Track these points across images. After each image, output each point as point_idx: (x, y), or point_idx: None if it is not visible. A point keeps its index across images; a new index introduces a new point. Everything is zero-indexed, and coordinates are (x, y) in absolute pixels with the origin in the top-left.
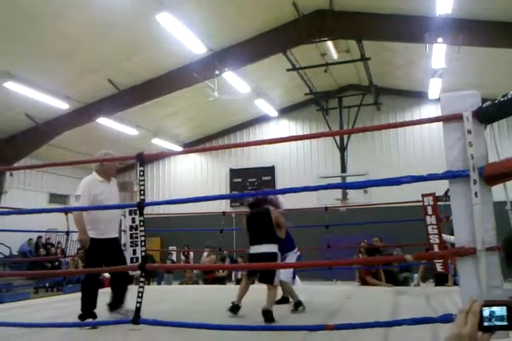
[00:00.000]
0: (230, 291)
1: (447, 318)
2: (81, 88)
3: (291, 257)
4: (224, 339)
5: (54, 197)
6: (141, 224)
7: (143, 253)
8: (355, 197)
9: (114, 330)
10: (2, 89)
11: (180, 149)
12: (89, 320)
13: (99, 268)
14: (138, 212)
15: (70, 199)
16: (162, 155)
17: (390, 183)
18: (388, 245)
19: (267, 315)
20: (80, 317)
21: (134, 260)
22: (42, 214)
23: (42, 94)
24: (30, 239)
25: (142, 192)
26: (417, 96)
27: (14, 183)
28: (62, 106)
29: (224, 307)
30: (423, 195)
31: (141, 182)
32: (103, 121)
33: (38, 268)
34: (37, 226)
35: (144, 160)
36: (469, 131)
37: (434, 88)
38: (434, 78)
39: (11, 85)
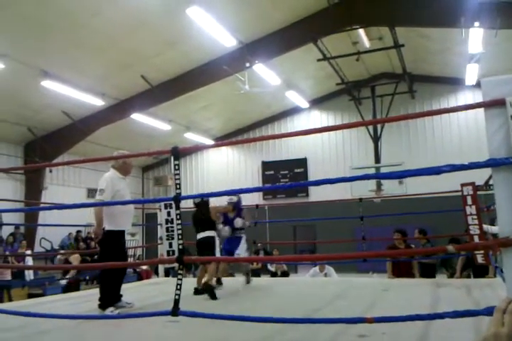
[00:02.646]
0: (264, 283)
1: (491, 311)
2: (115, 85)
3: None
4: (262, 331)
5: (92, 192)
6: (178, 217)
7: (180, 246)
8: (390, 188)
9: (153, 322)
10: (39, 88)
11: (212, 143)
12: (111, 308)
13: (138, 262)
14: (174, 206)
15: None
16: (196, 149)
17: (430, 173)
18: (434, 236)
19: (208, 288)
20: (101, 306)
21: (171, 253)
22: (81, 209)
23: (77, 92)
24: (70, 233)
25: (178, 186)
26: (453, 82)
27: (54, 179)
28: (97, 102)
29: (258, 299)
30: (462, 185)
31: (177, 177)
32: (136, 116)
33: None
34: (76, 221)
35: (179, 154)
36: None
37: (471, 74)
38: (470, 64)
39: (47, 84)
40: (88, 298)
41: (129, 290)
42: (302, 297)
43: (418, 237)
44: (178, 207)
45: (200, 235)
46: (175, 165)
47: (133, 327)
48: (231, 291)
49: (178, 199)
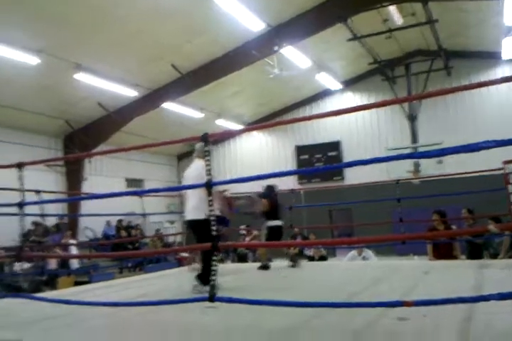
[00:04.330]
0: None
1: None
2: (147, 75)
3: None
4: (299, 315)
5: (130, 182)
6: (210, 204)
7: (214, 233)
8: (428, 168)
9: (191, 308)
10: (74, 81)
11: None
12: (205, 287)
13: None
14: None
15: (145, 183)
16: (225, 135)
17: (468, 150)
18: (478, 216)
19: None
20: (202, 282)
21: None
22: (121, 199)
23: (111, 83)
24: (108, 221)
25: (209, 171)
26: (490, 57)
27: (93, 170)
28: (131, 93)
29: (295, 283)
30: (505, 162)
31: (207, 162)
32: (168, 105)
33: (120, 249)
34: (116, 210)
35: (208, 140)
36: None
37: (508, 47)
38: (508, 36)
39: (81, 76)
40: (129, 284)
41: (170, 276)
42: (340, 281)
43: (466, 217)
44: (210, 193)
45: (277, 222)
46: (205, 151)
47: (171, 313)
48: (271, 275)
49: (210, 185)
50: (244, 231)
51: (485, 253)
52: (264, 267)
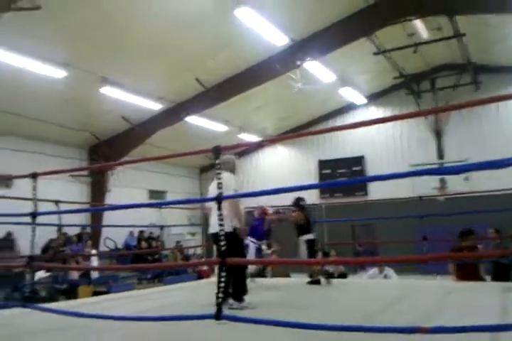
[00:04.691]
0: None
1: None
2: (171, 88)
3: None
4: (312, 335)
5: (153, 194)
6: (220, 218)
7: (223, 248)
8: (455, 185)
9: (202, 322)
10: (100, 95)
11: (267, 143)
12: (246, 301)
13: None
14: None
15: (168, 195)
16: (238, 147)
17: (493, 166)
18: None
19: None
20: (238, 299)
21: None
22: (143, 210)
23: (135, 97)
24: (131, 232)
25: (220, 185)
26: None
27: (116, 182)
28: (155, 106)
29: (311, 302)
30: None
31: (219, 176)
32: (192, 119)
33: (140, 260)
34: (138, 222)
35: (220, 152)
36: None
37: None
38: None
39: (107, 90)
40: (147, 296)
41: (189, 289)
42: (358, 300)
43: (493, 237)
44: (220, 207)
45: (311, 236)
46: (217, 164)
47: (185, 327)
48: (286, 292)
49: (220, 199)
50: (264, 246)
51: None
52: (315, 282)
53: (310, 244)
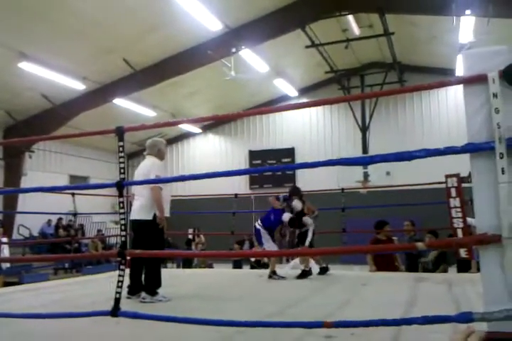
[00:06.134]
0: (234, 274)
1: (465, 318)
2: (96, 68)
3: None
4: (222, 330)
5: (74, 179)
6: (121, 205)
7: (123, 238)
8: (377, 179)
9: (104, 319)
10: (17, 70)
11: (199, 131)
12: (160, 294)
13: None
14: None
15: (90, 180)
16: (143, 128)
17: (402, 158)
18: (418, 229)
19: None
20: (150, 293)
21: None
22: (62, 197)
23: (58, 75)
24: (49, 220)
25: (122, 170)
26: (444, 73)
27: (34, 165)
28: (79, 86)
29: (227, 293)
30: (446, 176)
31: (121, 159)
32: (120, 102)
33: (57, 249)
34: (56, 209)
35: (123, 134)
36: (495, 95)
37: (461, 64)
38: (461, 53)
39: (25, 66)
40: (56, 288)
41: (105, 280)
42: (276, 292)
43: (407, 229)
44: (121, 194)
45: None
46: (119, 146)
47: (81, 323)
48: (210, 283)
49: (121, 185)
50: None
51: (420, 266)
52: (305, 274)
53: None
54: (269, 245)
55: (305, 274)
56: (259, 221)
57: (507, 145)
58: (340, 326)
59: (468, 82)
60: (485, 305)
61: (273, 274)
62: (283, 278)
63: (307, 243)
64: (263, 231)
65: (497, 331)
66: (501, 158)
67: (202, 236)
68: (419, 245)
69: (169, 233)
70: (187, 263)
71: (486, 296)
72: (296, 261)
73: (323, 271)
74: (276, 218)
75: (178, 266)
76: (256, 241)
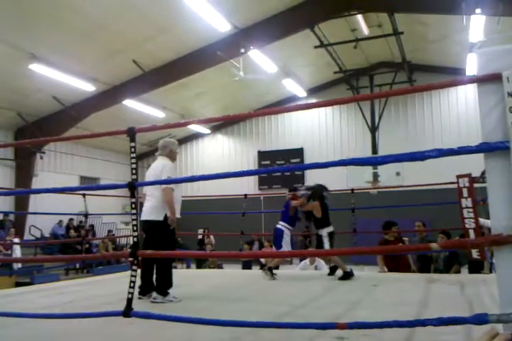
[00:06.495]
0: (248, 275)
1: (481, 319)
2: (106, 70)
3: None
4: (232, 331)
5: (85, 180)
6: (133, 206)
7: (135, 239)
8: (387, 179)
9: (116, 319)
10: (28, 72)
11: (208, 132)
12: (171, 295)
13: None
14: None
15: (101, 181)
16: (155, 129)
17: (414, 158)
18: (430, 230)
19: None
20: (162, 293)
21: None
22: (73, 198)
23: (68, 76)
24: (60, 221)
25: (134, 171)
26: (454, 72)
27: (45, 166)
28: (89, 88)
29: (238, 294)
30: (458, 176)
31: (133, 160)
32: (129, 103)
33: (68, 250)
34: (67, 210)
35: (135, 135)
36: (510, 94)
37: (472, 64)
38: (471, 53)
39: (36, 67)
40: (67, 288)
41: (116, 280)
42: (286, 292)
43: (419, 230)
44: (133, 195)
45: (331, 228)
46: (131, 147)
47: (93, 323)
48: (220, 284)
49: (133, 186)
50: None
51: (432, 266)
52: (347, 276)
53: (331, 236)
54: (287, 249)
55: (347, 275)
56: (281, 222)
57: None
58: (354, 327)
59: (482, 80)
60: (500, 306)
61: (269, 270)
62: (274, 278)
63: (326, 247)
64: (287, 233)
65: None
66: None
67: (211, 236)
68: (433, 246)
69: (179, 234)
70: (200, 263)
71: (502, 298)
72: (307, 261)
73: (333, 271)
74: (296, 214)
75: (187, 267)
76: (273, 242)
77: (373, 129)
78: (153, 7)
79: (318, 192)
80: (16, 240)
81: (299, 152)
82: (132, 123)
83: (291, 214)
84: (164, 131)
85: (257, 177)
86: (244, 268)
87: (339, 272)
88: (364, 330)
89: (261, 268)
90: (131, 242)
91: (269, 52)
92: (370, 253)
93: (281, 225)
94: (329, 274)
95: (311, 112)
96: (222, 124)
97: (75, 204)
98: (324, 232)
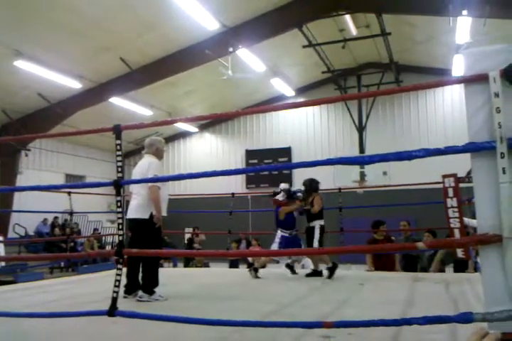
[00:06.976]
0: (233, 274)
1: (466, 318)
2: (93, 67)
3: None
4: (218, 330)
5: (70, 178)
6: (119, 204)
7: (120, 237)
8: (374, 179)
9: (101, 318)
10: (13, 68)
11: (196, 130)
12: (158, 294)
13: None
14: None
15: (87, 179)
16: (141, 126)
17: (401, 158)
18: (416, 229)
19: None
20: (148, 292)
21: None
22: (58, 196)
23: (54, 73)
24: (45, 219)
25: (119, 169)
26: (440, 73)
27: (30, 164)
28: (75, 85)
29: (223, 293)
30: (444, 176)
31: (119, 158)
32: (116, 100)
33: (53, 248)
34: (52, 208)
35: (121, 132)
36: (496, 95)
37: (458, 65)
38: (458, 54)
39: (21, 64)
40: (51, 287)
41: (101, 279)
42: (274, 291)
43: (404, 229)
44: (118, 193)
45: (322, 222)
46: (117, 145)
47: (75, 323)
48: (207, 283)
49: (119, 184)
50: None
51: (418, 266)
52: (316, 274)
53: (322, 230)
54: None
55: (315, 274)
56: (281, 229)
57: (508, 144)
58: (341, 326)
59: (469, 81)
60: (485, 305)
61: (255, 271)
62: (258, 277)
63: (316, 243)
64: (291, 241)
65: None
66: (502, 157)
67: (203, 235)
68: (420, 245)
69: (166, 232)
70: (187, 262)
71: (487, 297)
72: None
73: (333, 269)
74: (290, 217)
75: (174, 266)
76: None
77: (361, 129)
78: (141, 4)
79: (314, 184)
80: (0, 238)
81: (286, 151)
82: (119, 121)
83: (282, 218)
84: (151, 129)
85: (244, 176)
86: (231, 266)
87: (325, 272)
88: (350, 329)
89: (248, 267)
90: (117, 241)
91: (258, 51)
92: (356, 252)
93: (283, 232)
94: (328, 277)
95: (299, 111)
96: (210, 123)
97: (60, 202)
98: (317, 224)
